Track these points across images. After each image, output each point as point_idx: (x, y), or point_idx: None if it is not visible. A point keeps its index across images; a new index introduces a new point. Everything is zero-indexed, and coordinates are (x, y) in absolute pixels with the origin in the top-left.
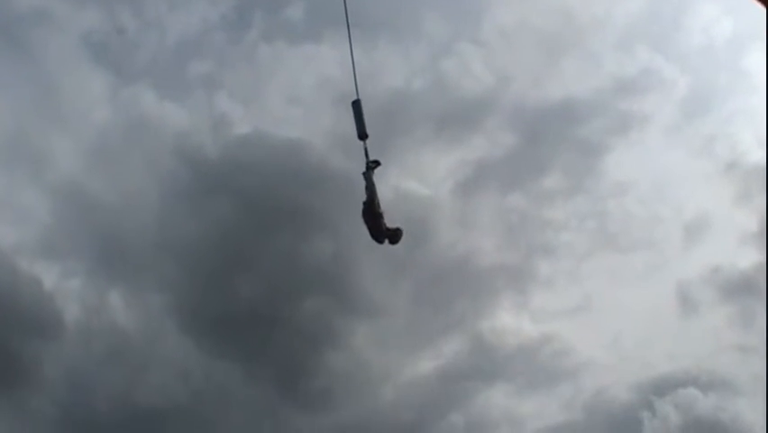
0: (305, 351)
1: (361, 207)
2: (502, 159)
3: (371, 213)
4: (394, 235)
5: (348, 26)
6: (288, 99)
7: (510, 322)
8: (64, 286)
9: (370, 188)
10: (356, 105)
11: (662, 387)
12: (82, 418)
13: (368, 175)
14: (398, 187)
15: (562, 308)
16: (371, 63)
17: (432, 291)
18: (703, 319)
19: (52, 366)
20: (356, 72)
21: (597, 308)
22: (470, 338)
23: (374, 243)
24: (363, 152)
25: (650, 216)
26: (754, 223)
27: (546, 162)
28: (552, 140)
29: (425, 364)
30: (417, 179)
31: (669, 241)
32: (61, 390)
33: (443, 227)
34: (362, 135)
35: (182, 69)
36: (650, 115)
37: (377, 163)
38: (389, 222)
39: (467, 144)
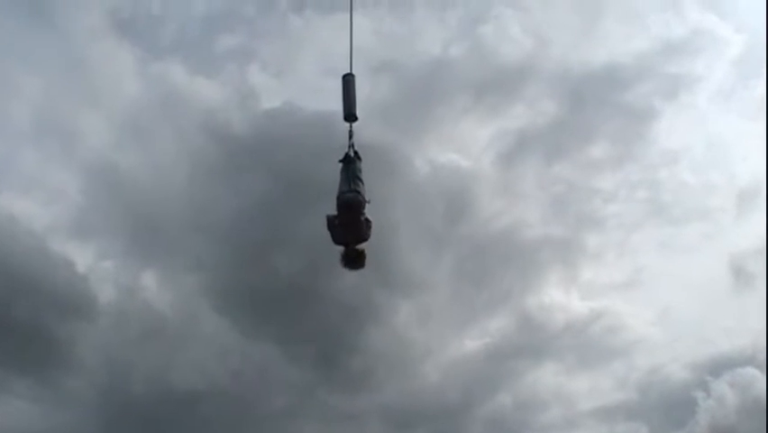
0: (345, 329)
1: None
2: (545, 127)
3: (353, 214)
4: (359, 257)
5: None
6: (321, 71)
7: (558, 298)
8: (97, 267)
9: (356, 182)
10: (348, 81)
11: (718, 366)
12: (118, 399)
13: (355, 167)
14: (436, 159)
15: (612, 282)
16: (407, 30)
17: (475, 266)
18: (759, 293)
19: (87, 348)
20: (390, 41)
21: (648, 282)
22: (516, 315)
23: (413, 216)
24: (348, 136)
25: (702, 185)
26: None
27: (592, 130)
28: (596, 106)
29: (470, 343)
30: (457, 150)
31: (723, 210)
32: (97, 371)
33: (485, 200)
34: (350, 116)
35: (211, 42)
36: (701, 78)
37: (358, 157)
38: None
39: (508, 113)
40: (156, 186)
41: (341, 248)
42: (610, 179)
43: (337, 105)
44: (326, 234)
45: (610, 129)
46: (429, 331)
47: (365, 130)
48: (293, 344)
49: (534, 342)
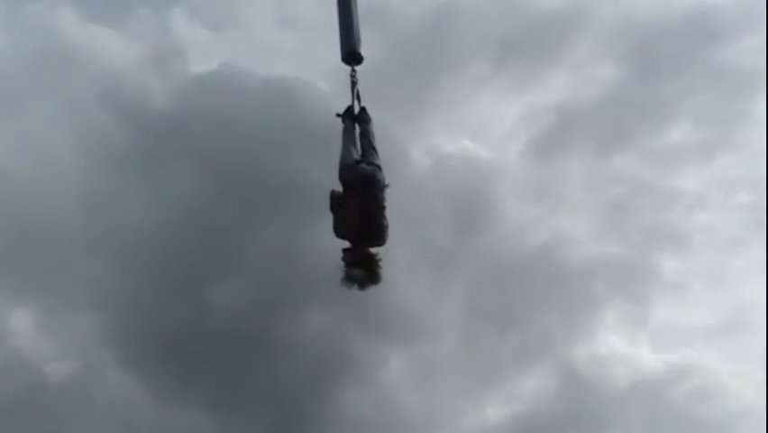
0: (310, 390)
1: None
2: (598, 101)
3: (369, 195)
4: (372, 264)
5: None
6: (275, 21)
7: (620, 347)
8: None
9: (372, 153)
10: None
11: None
12: None
13: (367, 130)
14: (442, 149)
15: (700, 326)
16: None
17: (498, 301)
18: None
19: None
20: None
21: (755, 325)
22: (558, 371)
23: (408, 229)
24: (350, 87)
25: None
26: None
27: (669, 105)
28: (676, 71)
29: (493, 412)
30: (471, 135)
31: None
32: None
33: (512, 205)
34: (352, 55)
35: None
36: None
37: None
38: None
39: (544, 82)
40: (34, 184)
41: (343, 251)
42: (696, 177)
43: (298, 69)
44: (286, 256)
45: (696, 103)
46: (432, 394)
47: (341, 106)
48: (234, 411)
49: (584, 410)
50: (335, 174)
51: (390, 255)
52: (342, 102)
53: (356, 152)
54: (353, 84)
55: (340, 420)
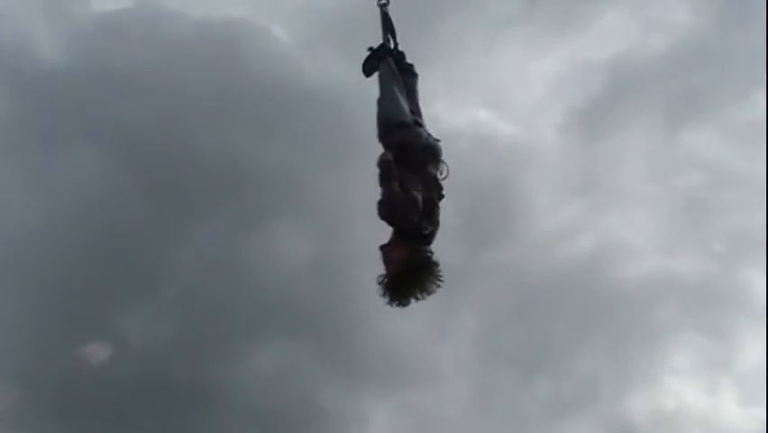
0: None
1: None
2: (668, 55)
3: (433, 179)
4: (428, 270)
5: None
6: None
7: (694, 399)
8: None
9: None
10: None
11: None
12: None
13: (414, 84)
14: (447, 119)
15: None
16: None
17: (523, 335)
18: None
19: None
20: None
21: None
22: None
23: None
24: (382, 27)
25: None
26: None
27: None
28: None
29: None
30: (490, 102)
31: None
32: None
33: (545, 202)
34: None
35: None
36: None
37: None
38: None
39: (592, 27)
40: None
41: (391, 247)
42: None
43: (246, 8)
44: (223, 273)
45: None
46: None
47: (305, 65)
48: None
49: None
50: (302, 158)
51: (368, 273)
52: (311, 58)
53: (406, 104)
54: (386, 18)
55: None
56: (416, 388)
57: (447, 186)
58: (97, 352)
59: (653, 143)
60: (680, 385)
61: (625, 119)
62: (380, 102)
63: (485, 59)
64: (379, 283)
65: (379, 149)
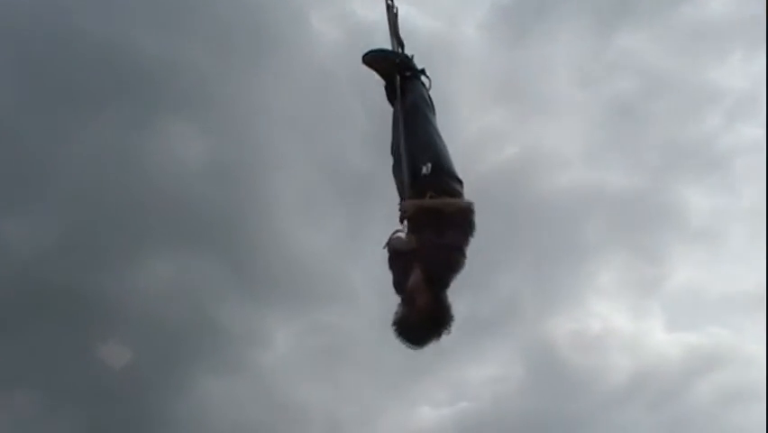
0: (146, 379)
1: None
2: None
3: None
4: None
5: None
6: None
7: (619, 323)
8: None
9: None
10: None
11: None
12: None
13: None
14: (359, 12)
15: (737, 293)
16: None
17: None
18: None
19: None
20: None
21: None
22: (526, 356)
23: (306, 147)
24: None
25: None
26: None
27: None
28: None
29: (429, 411)
30: None
31: None
32: None
33: (467, 107)
34: None
35: None
36: None
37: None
38: None
39: None
40: None
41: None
42: (743, 69)
43: None
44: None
45: None
46: (339, 385)
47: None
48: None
49: (561, 413)
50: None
51: (282, 184)
52: None
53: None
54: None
55: (193, 423)
56: (326, 307)
57: (361, 84)
58: None
59: (583, 46)
60: (605, 307)
61: (554, 20)
62: (429, 135)
63: None
64: (397, 323)
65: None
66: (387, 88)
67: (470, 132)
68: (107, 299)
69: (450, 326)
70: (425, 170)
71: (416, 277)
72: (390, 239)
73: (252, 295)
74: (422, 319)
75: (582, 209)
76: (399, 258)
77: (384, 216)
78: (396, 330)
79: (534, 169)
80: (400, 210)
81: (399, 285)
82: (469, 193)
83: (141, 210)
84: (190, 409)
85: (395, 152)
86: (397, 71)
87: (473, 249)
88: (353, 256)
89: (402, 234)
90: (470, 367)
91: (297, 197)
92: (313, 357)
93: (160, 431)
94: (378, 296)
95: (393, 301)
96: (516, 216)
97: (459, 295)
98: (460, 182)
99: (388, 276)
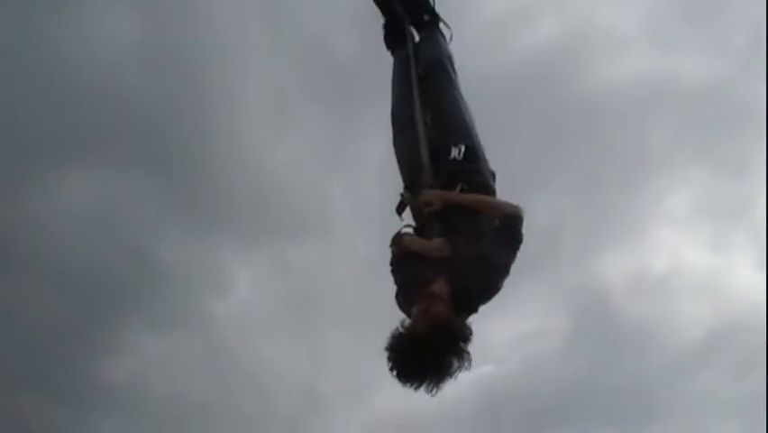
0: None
1: None
2: None
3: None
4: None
5: None
6: None
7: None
8: None
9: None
10: None
11: None
12: None
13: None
14: None
15: None
16: None
17: None
18: None
19: None
20: None
21: None
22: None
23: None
24: None
25: None
26: None
27: None
28: None
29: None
30: None
31: None
32: None
33: None
34: None
35: None
36: None
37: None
38: None
39: None
40: None
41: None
42: None
43: None
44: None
45: None
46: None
47: None
48: None
49: None
50: None
51: (242, 80)
52: None
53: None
54: None
55: (129, 393)
56: (299, 241)
57: None
58: None
59: None
60: (675, 239)
61: None
62: (458, 107)
63: None
64: (395, 337)
65: None
66: (387, 28)
67: (499, 3)
68: (5, 232)
69: (465, 359)
70: (456, 153)
71: (439, 287)
72: (401, 237)
73: (203, 226)
74: (431, 328)
75: (646, 109)
76: (414, 264)
77: (375, 123)
78: (390, 350)
79: (581, 54)
80: (414, 200)
81: (408, 298)
82: (497, 80)
83: (57, 113)
84: (124, 375)
85: (400, 119)
86: (409, 9)
87: (504, 161)
88: (334, 174)
89: (410, 231)
90: (496, 322)
91: (261, 96)
92: (283, 307)
93: (88, 404)
94: (366, 226)
95: (387, 234)
96: (556, 118)
97: None
98: (494, 177)
99: (378, 202)
